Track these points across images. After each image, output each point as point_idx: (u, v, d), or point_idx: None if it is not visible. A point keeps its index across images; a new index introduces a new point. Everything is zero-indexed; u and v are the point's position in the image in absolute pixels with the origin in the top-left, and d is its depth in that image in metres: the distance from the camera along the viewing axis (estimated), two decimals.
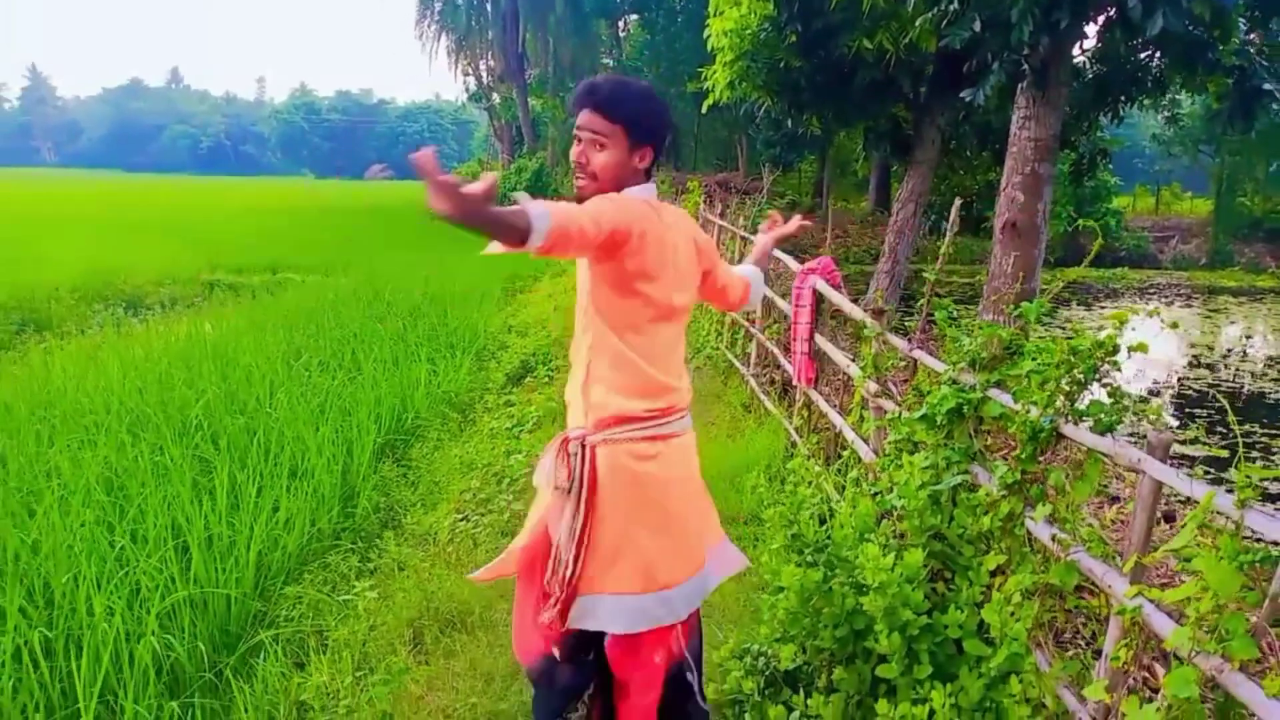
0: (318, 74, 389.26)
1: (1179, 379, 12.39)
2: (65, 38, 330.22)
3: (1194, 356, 14.31)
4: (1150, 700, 1.95)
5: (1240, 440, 2.07)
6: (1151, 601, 2.00)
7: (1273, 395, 11.73)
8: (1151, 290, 22.97)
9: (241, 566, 4.12)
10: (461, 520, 4.90)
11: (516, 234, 1.77)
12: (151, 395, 6.50)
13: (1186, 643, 1.79)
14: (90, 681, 3.16)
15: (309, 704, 3.22)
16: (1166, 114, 16.74)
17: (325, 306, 10.93)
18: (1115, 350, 2.50)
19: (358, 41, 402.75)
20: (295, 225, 26.50)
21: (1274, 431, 9.69)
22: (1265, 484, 7.49)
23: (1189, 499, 1.94)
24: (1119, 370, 2.59)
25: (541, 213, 1.80)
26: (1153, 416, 2.31)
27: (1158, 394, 11.39)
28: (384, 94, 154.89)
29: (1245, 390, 12.12)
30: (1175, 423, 9.95)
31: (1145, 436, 2.13)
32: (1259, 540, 1.94)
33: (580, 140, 2.26)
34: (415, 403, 7.27)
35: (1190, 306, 20.21)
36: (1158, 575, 3.08)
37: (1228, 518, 1.80)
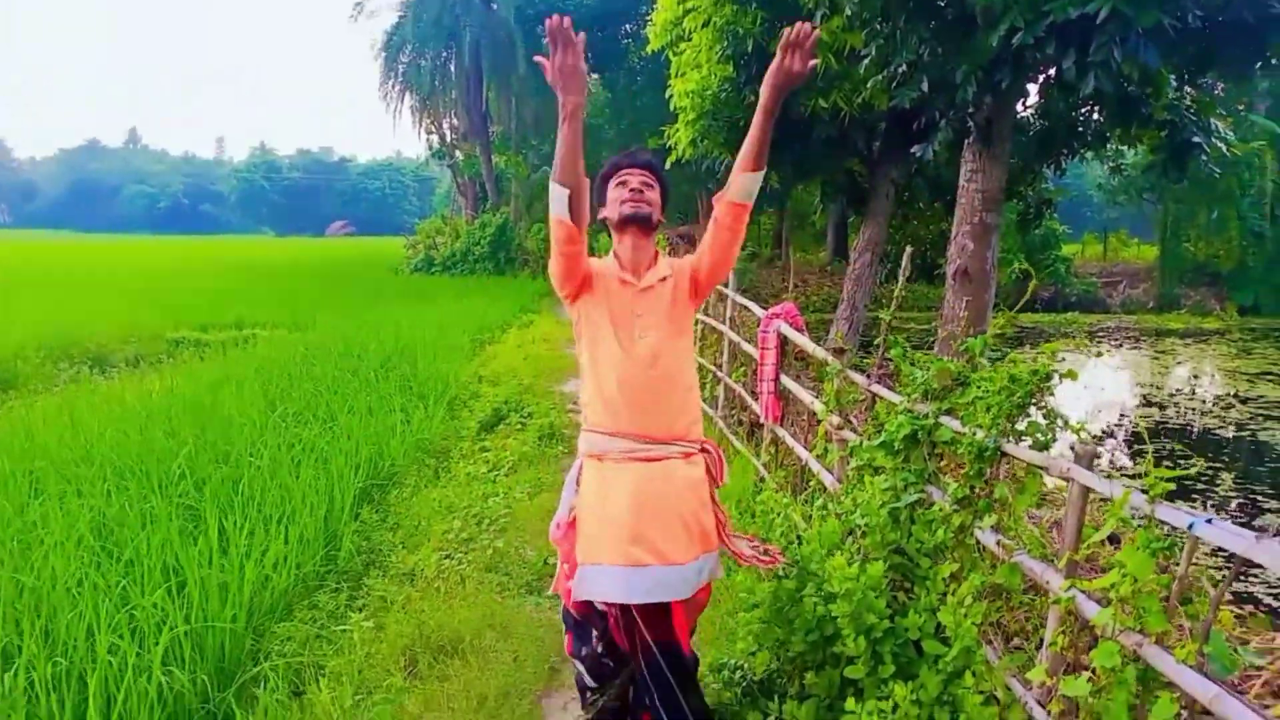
0: (278, 133, 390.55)
1: (1132, 419, 12.85)
2: (22, 99, 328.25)
3: (1144, 396, 14.83)
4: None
5: (1151, 451, 2.36)
6: (1083, 592, 2.28)
7: (1218, 432, 12.21)
8: (1101, 333, 23.68)
9: (235, 605, 4.27)
10: (446, 559, 5.09)
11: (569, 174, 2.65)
12: (133, 446, 6.61)
13: (1110, 621, 2.06)
14: (105, 712, 3.30)
15: None
16: (1111, 164, 17.52)
17: (296, 360, 11.07)
18: (1049, 377, 2.80)
19: (318, 101, 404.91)
20: (258, 282, 26.61)
21: (1217, 465, 10.12)
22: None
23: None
24: (1053, 395, 2.89)
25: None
26: (1078, 432, 2.60)
27: (1111, 434, 11.82)
28: (344, 152, 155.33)
29: (1194, 428, 12.59)
30: (1128, 461, 10.38)
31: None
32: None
33: (628, 183, 2.91)
34: (391, 451, 7.43)
35: (1139, 348, 20.88)
36: (1092, 574, 3.36)
37: (1142, 512, 2.08)
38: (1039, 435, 2.80)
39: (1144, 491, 2.10)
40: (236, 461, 6.33)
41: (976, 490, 2.95)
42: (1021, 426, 2.89)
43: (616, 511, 2.70)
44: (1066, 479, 2.45)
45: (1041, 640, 2.60)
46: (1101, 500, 2.39)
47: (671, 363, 2.83)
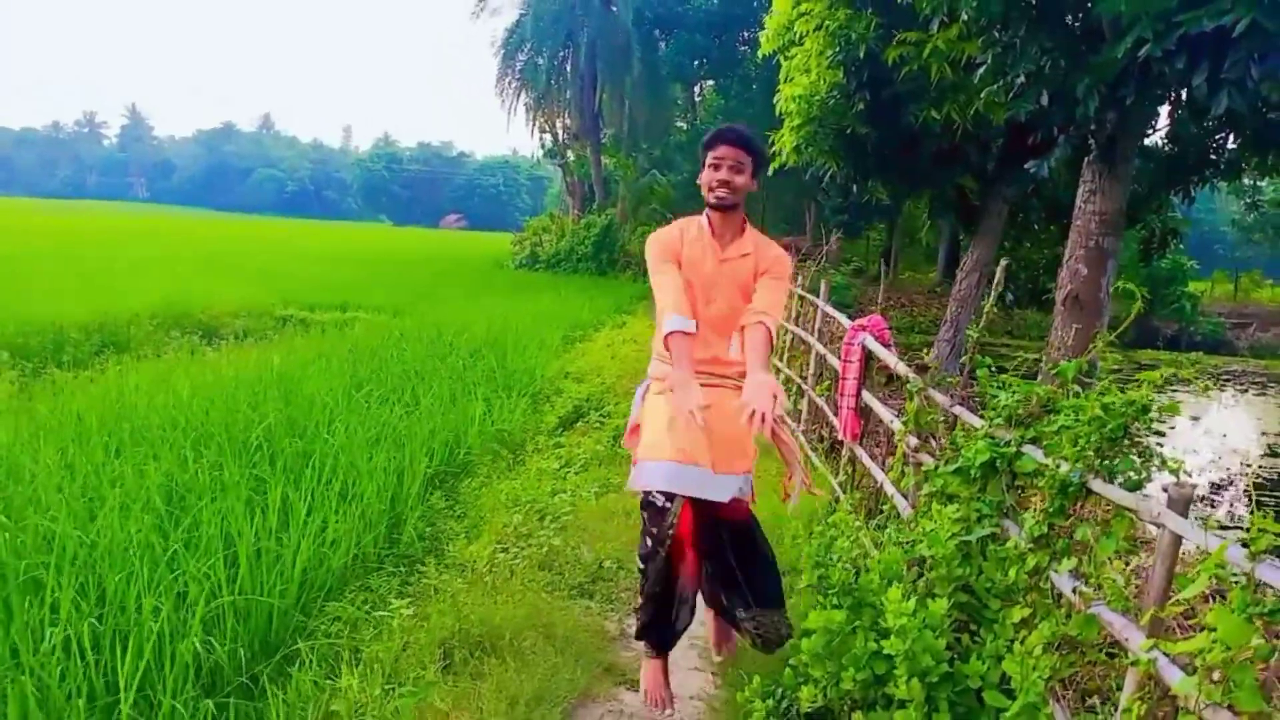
0: (401, 125, 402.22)
1: (1257, 467, 12.02)
2: (165, 80, 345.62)
3: (1269, 446, 13.89)
4: None
5: (1254, 500, 2.06)
6: (1166, 654, 2.00)
7: None
8: (1226, 376, 22.34)
9: (286, 580, 4.24)
10: (501, 551, 4.99)
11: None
12: (217, 415, 6.72)
13: (1194, 691, 1.79)
14: (131, 674, 3.27)
15: (339, 714, 3.30)
16: (1247, 200, 16.51)
17: (390, 343, 11.19)
18: (1146, 409, 2.51)
19: (440, 96, 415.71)
20: (369, 268, 27.24)
21: None
22: None
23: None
24: (1151, 430, 2.60)
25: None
26: (1175, 472, 2.31)
27: (1231, 484, 11.08)
28: (463, 147, 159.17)
29: None
30: (1245, 511, 9.66)
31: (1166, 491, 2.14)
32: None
33: (720, 167, 3.14)
34: (468, 438, 7.40)
35: (1265, 395, 19.61)
36: (1183, 634, 3.02)
37: (1241, 570, 1.80)
38: (1131, 473, 2.51)
39: (1245, 545, 1.82)
40: (311, 436, 6.36)
41: (1056, 529, 2.67)
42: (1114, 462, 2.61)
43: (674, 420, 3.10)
44: (1157, 524, 2.17)
45: (1117, 701, 2.31)
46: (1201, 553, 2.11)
47: (735, 323, 3.21)
